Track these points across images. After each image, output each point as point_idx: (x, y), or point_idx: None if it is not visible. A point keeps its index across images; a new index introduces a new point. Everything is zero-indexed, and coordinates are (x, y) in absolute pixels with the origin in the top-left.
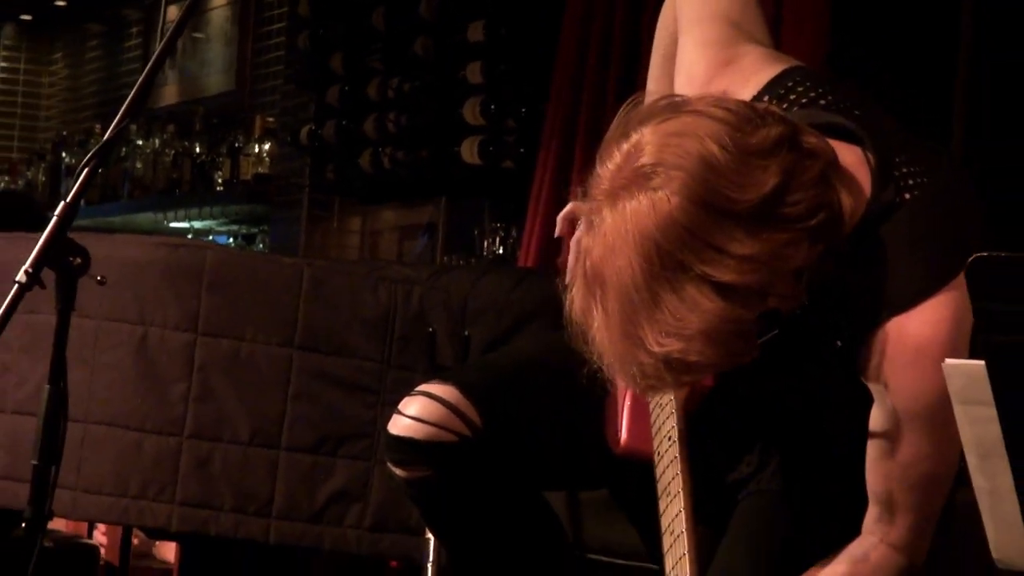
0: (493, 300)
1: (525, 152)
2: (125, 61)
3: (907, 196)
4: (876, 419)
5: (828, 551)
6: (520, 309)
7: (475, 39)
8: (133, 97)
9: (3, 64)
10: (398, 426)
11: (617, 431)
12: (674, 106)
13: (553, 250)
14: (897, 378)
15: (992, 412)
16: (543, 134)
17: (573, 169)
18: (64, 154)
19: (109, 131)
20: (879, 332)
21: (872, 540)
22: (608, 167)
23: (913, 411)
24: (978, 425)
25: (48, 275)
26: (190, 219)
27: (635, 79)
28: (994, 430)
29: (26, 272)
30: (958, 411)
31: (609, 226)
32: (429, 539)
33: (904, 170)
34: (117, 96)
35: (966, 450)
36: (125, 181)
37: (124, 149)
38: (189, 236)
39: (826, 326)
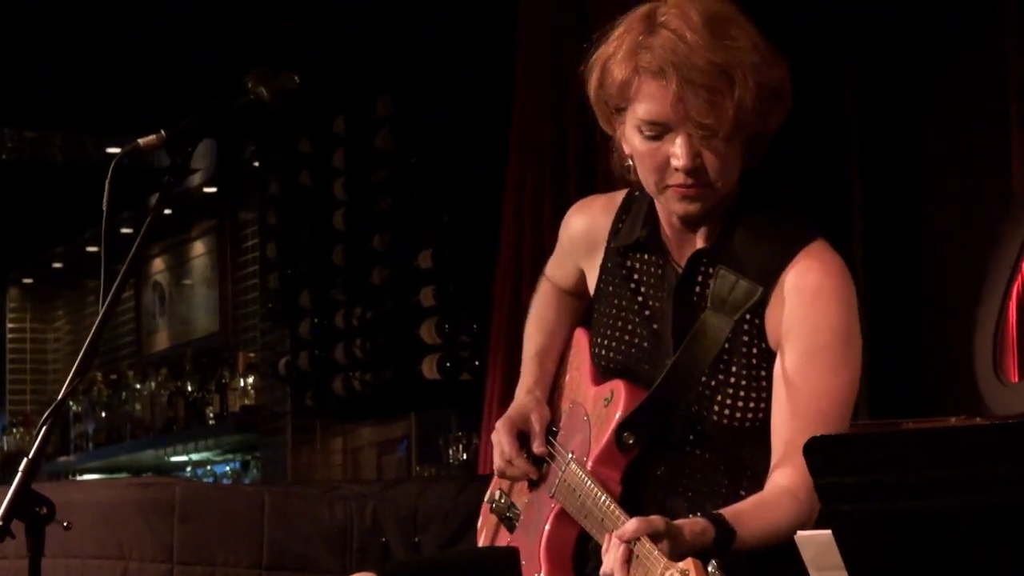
0: (439, 508)
1: (480, 364)
2: (120, 312)
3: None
4: (778, 369)
5: None
6: (465, 514)
7: (425, 266)
8: (81, 360)
9: (11, 325)
10: None
11: (536, 568)
12: None
13: None
14: (800, 320)
15: (844, 575)
16: (490, 348)
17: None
18: (71, 403)
19: (64, 390)
20: (781, 287)
21: (773, 482)
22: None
23: (813, 348)
24: None
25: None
26: (188, 452)
27: None
28: None
29: None
30: None
31: None
32: None
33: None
34: (115, 345)
35: None
36: (127, 423)
37: (124, 394)
38: (188, 469)
39: (744, 261)
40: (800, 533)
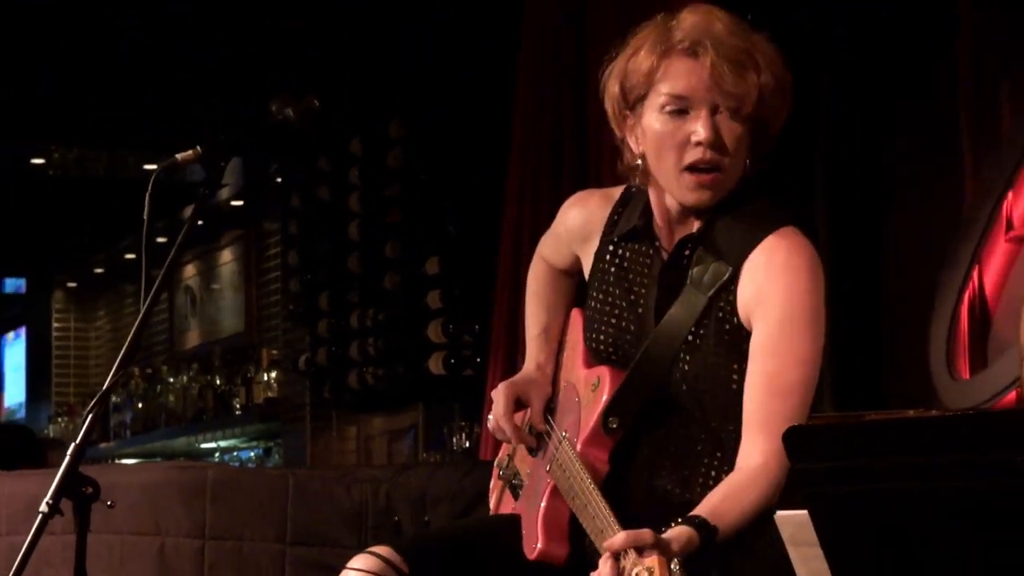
0: (447, 490)
1: (481, 361)
2: (155, 313)
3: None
4: (753, 342)
5: None
6: (470, 495)
7: (432, 272)
8: (123, 356)
9: (57, 324)
10: None
11: (534, 540)
12: None
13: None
14: (770, 292)
15: (818, 551)
16: (491, 346)
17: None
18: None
19: (107, 382)
20: (751, 265)
21: (745, 460)
22: None
23: (783, 316)
24: (809, 563)
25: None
26: (216, 440)
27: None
28: (823, 566)
29: (47, 503)
30: (792, 553)
31: None
32: None
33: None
34: (150, 343)
35: None
36: (161, 413)
37: (159, 387)
38: (216, 455)
39: (728, 240)
40: (779, 513)
